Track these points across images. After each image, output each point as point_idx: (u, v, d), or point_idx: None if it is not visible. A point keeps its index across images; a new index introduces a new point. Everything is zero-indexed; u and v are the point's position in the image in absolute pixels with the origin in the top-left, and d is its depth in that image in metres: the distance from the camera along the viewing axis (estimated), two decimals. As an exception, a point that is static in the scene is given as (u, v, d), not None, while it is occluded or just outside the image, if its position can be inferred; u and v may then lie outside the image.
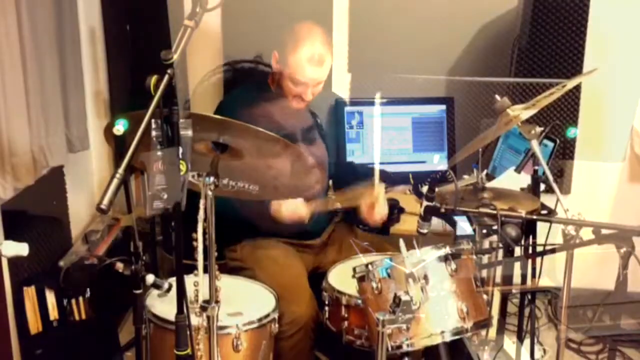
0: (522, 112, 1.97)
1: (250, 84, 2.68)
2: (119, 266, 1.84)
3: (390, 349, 1.72)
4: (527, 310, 2.30)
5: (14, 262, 2.20)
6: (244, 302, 2.13)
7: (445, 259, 1.82)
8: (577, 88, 3.02)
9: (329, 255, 2.60)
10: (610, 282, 1.89)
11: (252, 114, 2.26)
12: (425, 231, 2.02)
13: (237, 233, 2.51)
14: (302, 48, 2.41)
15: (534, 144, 2.03)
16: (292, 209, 2.37)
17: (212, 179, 1.62)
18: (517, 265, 2.18)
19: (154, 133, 1.47)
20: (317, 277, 2.38)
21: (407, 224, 2.83)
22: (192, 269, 1.67)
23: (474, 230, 2.14)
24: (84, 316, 2.44)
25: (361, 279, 1.89)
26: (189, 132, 1.52)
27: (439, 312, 1.78)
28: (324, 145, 2.65)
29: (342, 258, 2.50)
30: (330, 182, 2.75)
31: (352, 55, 3.30)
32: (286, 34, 2.47)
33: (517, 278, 2.20)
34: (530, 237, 2.15)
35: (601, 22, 3.00)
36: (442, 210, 1.97)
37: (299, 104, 2.49)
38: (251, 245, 2.51)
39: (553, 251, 2.03)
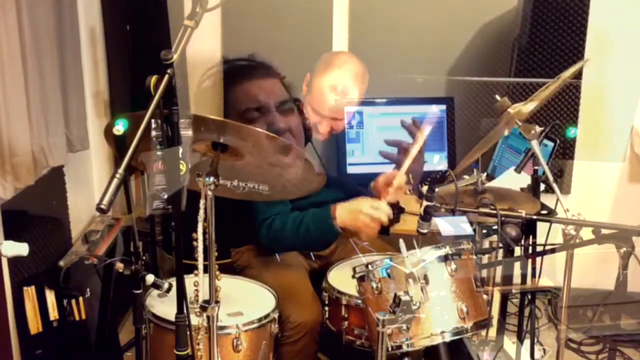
0: (522, 107, 1.97)
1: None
2: (119, 266, 1.84)
3: (390, 349, 1.72)
4: (527, 310, 2.30)
5: (14, 262, 2.20)
6: (244, 302, 2.13)
7: (445, 259, 1.82)
8: (577, 88, 3.02)
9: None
10: (610, 282, 1.89)
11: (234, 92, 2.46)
12: (425, 231, 2.02)
13: (248, 236, 2.50)
14: (328, 74, 2.48)
15: (534, 144, 2.03)
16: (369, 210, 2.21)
17: (212, 178, 1.62)
18: (517, 265, 2.17)
19: (154, 133, 1.47)
20: (317, 277, 2.38)
21: (407, 224, 2.82)
22: (192, 269, 1.67)
23: (474, 230, 2.14)
24: (84, 316, 2.44)
25: (361, 279, 1.89)
26: (189, 132, 1.52)
27: (439, 312, 1.78)
28: (297, 113, 2.62)
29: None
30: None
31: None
32: (322, 59, 2.55)
33: (517, 278, 2.20)
34: (530, 237, 2.15)
35: (601, 22, 3.00)
36: (442, 210, 1.97)
37: (317, 134, 2.53)
38: (256, 247, 2.51)
39: (553, 251, 2.03)
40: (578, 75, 2.96)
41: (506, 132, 2.17)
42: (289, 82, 2.66)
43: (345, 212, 2.24)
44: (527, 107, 1.97)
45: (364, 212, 2.19)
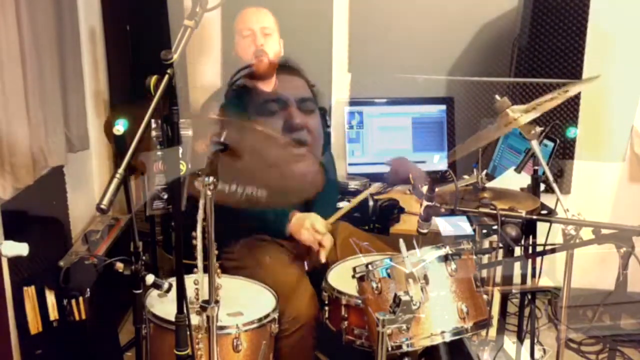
0: (522, 115, 1.97)
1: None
2: (119, 266, 1.84)
3: (390, 349, 1.72)
4: (527, 310, 2.30)
5: (14, 262, 2.20)
6: (244, 302, 2.13)
7: (445, 259, 1.82)
8: (577, 88, 3.02)
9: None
10: (610, 282, 1.89)
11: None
12: (425, 231, 2.02)
13: (233, 234, 2.50)
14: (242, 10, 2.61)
15: (534, 144, 2.03)
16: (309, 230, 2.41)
17: (211, 178, 1.62)
18: (517, 265, 2.18)
19: (154, 133, 1.47)
20: (317, 277, 2.38)
21: (407, 224, 2.83)
22: (192, 269, 1.67)
23: (474, 230, 2.14)
24: (84, 316, 2.44)
25: (361, 279, 1.89)
26: (189, 132, 1.52)
27: (439, 312, 1.78)
28: (319, 116, 2.70)
29: (338, 256, 2.50)
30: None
31: (352, 55, 3.30)
32: None
33: (517, 278, 2.20)
34: (530, 237, 2.15)
35: (601, 22, 3.00)
36: (442, 210, 1.97)
37: (262, 61, 2.56)
38: (248, 244, 2.51)
39: (553, 251, 2.03)
40: (578, 75, 2.96)
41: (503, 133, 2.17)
42: (318, 91, 2.72)
43: (296, 221, 2.44)
44: (528, 116, 1.96)
45: (305, 227, 2.41)
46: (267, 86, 2.64)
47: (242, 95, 2.59)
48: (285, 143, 1.80)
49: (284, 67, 2.67)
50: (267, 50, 2.57)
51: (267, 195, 1.85)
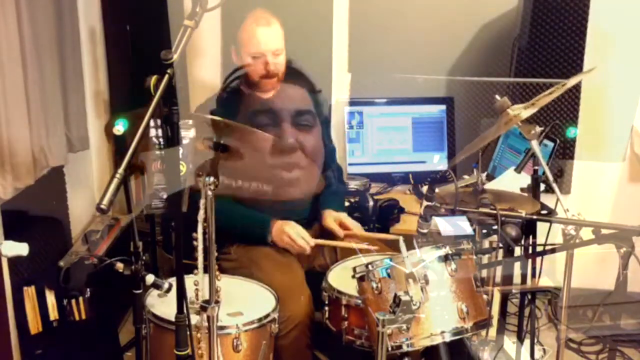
0: (522, 111, 1.97)
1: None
2: (119, 266, 1.84)
3: (390, 349, 1.72)
4: (527, 310, 2.30)
5: (14, 262, 2.20)
6: (244, 302, 2.13)
7: (445, 259, 1.82)
8: (577, 88, 3.02)
9: (323, 254, 2.59)
10: (610, 282, 1.89)
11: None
12: (425, 231, 2.02)
13: (229, 237, 2.49)
14: (248, 20, 2.46)
15: (534, 144, 2.03)
16: (295, 235, 2.40)
17: (212, 178, 1.62)
18: (517, 265, 2.18)
19: (153, 133, 1.47)
20: (316, 277, 2.38)
21: (407, 224, 2.83)
22: (192, 269, 1.67)
23: (474, 230, 2.14)
24: (84, 316, 2.44)
25: (361, 279, 1.89)
26: (190, 133, 1.52)
27: (439, 312, 1.78)
28: (319, 131, 2.59)
29: (338, 256, 2.50)
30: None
31: (352, 55, 3.30)
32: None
33: (517, 278, 2.20)
34: (530, 237, 2.15)
35: (601, 22, 3.00)
36: (442, 210, 1.97)
37: (270, 82, 2.46)
38: (245, 246, 2.51)
39: (553, 251, 2.03)
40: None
41: (503, 131, 2.17)
42: (323, 98, 2.61)
43: (277, 230, 2.42)
44: (527, 111, 1.97)
45: (288, 235, 2.39)
46: (265, 92, 2.52)
47: (233, 102, 2.47)
48: (276, 164, 1.78)
49: (286, 73, 2.52)
50: (277, 69, 2.45)
51: (272, 189, 1.85)
